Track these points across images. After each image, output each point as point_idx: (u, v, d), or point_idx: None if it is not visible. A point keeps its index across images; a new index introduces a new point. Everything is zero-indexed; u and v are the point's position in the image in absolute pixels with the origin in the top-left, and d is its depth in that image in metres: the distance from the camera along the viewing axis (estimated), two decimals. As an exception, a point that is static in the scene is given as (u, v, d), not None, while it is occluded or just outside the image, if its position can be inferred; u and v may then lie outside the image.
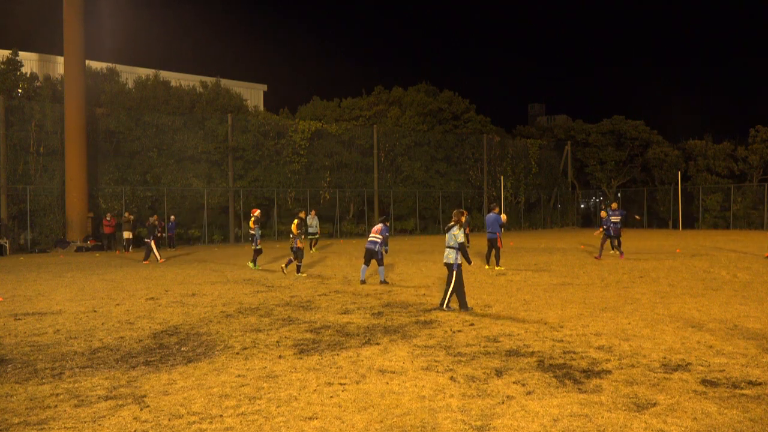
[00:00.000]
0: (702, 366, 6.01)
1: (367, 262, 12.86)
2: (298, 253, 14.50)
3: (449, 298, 9.48)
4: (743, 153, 39.27)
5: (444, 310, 9.36)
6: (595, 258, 18.04)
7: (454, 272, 9.32)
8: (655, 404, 4.89)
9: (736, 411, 4.72)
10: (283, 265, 14.97)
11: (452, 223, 9.47)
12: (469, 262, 9.55)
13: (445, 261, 9.46)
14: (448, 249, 9.43)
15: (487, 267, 15.86)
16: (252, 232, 16.71)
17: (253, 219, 16.84)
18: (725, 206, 38.62)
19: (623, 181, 45.27)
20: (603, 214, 19.27)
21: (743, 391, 5.20)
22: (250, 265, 16.86)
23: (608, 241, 19.07)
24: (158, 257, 19.47)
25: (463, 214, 9.47)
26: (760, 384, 5.40)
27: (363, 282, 12.87)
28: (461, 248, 9.33)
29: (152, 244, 19.47)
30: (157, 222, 20.83)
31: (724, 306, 9.48)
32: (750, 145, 39.01)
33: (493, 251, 15.72)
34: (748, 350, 6.61)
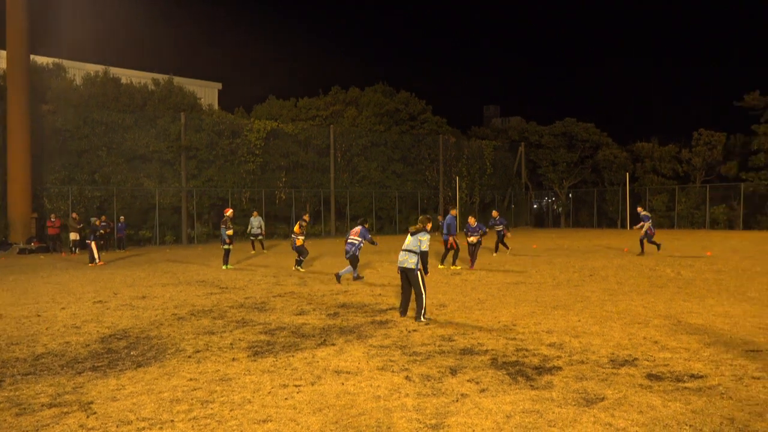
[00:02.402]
0: (648, 361, 6.22)
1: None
2: (301, 250, 15.65)
3: (425, 308, 8.66)
4: (687, 155, 40.82)
5: (423, 322, 8.45)
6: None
7: (419, 278, 8.58)
8: (603, 399, 5.03)
9: (678, 404, 4.90)
10: (299, 267, 15.77)
11: (419, 227, 8.83)
12: (426, 273, 8.90)
13: (403, 265, 8.70)
14: (407, 252, 8.68)
15: (441, 266, 16.02)
16: (227, 231, 16.72)
17: (224, 219, 16.83)
18: (670, 206, 40.07)
19: (574, 182, 46.41)
20: (495, 213, 19.81)
21: (686, 384, 5.41)
22: (224, 267, 16.70)
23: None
24: (97, 259, 18.76)
25: (429, 221, 8.94)
26: (701, 377, 5.62)
27: (359, 278, 13.70)
28: (424, 256, 8.82)
29: (93, 245, 18.74)
30: (99, 223, 20.24)
31: (669, 302, 9.83)
32: (693, 147, 40.57)
33: (451, 251, 15.90)
34: (691, 345, 6.87)
